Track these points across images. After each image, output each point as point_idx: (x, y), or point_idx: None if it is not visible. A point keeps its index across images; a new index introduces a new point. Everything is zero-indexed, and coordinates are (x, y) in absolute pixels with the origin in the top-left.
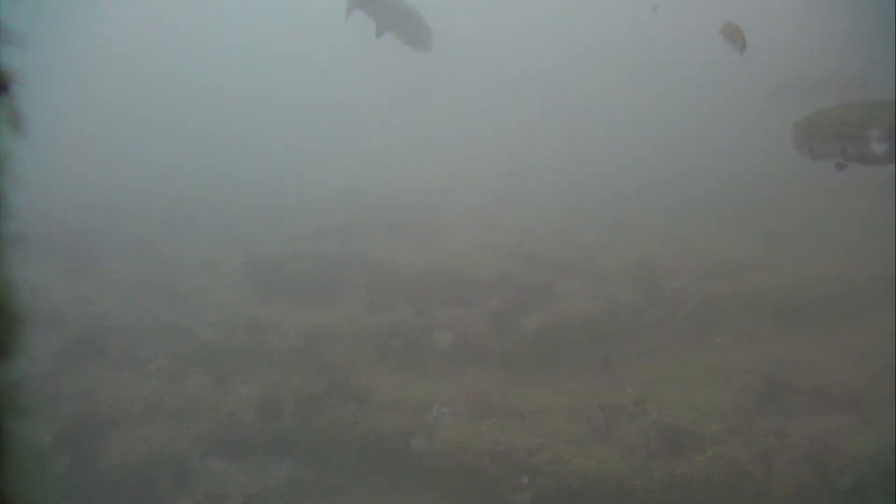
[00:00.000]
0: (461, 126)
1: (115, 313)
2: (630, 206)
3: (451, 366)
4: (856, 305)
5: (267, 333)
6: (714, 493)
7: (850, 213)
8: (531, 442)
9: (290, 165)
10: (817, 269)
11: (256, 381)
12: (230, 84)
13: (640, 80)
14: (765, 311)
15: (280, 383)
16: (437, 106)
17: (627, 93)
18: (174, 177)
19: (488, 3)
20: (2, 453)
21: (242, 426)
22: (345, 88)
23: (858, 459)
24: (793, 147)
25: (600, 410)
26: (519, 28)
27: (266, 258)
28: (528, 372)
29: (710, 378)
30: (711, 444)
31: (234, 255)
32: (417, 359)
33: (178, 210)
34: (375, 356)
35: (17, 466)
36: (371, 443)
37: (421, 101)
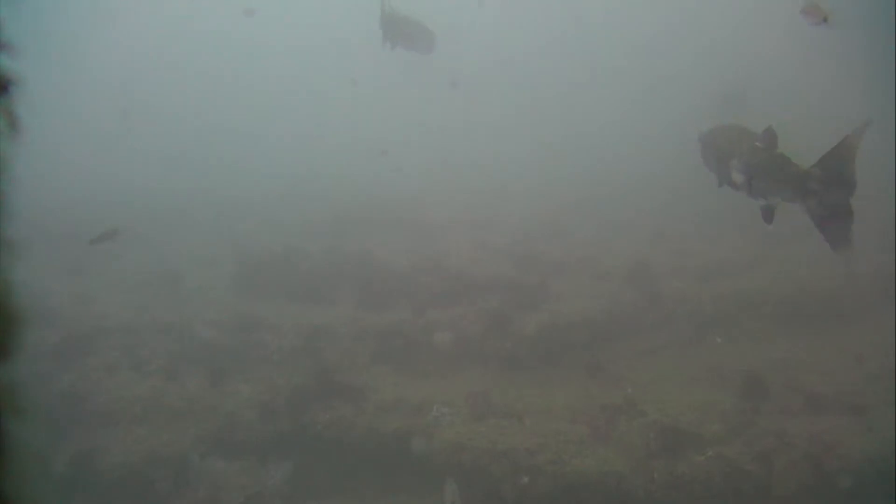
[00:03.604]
0: (458, 126)
1: (113, 312)
2: (627, 206)
3: (450, 366)
4: (855, 306)
5: (266, 333)
6: (714, 493)
7: None
8: (531, 442)
9: (287, 164)
10: (817, 269)
11: (256, 381)
12: (229, 84)
13: (633, 84)
14: (764, 311)
15: (280, 383)
16: (434, 106)
17: (622, 95)
18: (172, 175)
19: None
20: (2, 453)
21: (242, 426)
22: (343, 88)
23: (858, 460)
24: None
25: (600, 410)
26: (515, 30)
27: (264, 256)
28: (528, 372)
29: (710, 378)
30: (711, 444)
31: (231, 252)
32: (417, 359)
33: (175, 208)
34: (375, 356)
35: (17, 466)
36: (371, 443)
37: (418, 100)
